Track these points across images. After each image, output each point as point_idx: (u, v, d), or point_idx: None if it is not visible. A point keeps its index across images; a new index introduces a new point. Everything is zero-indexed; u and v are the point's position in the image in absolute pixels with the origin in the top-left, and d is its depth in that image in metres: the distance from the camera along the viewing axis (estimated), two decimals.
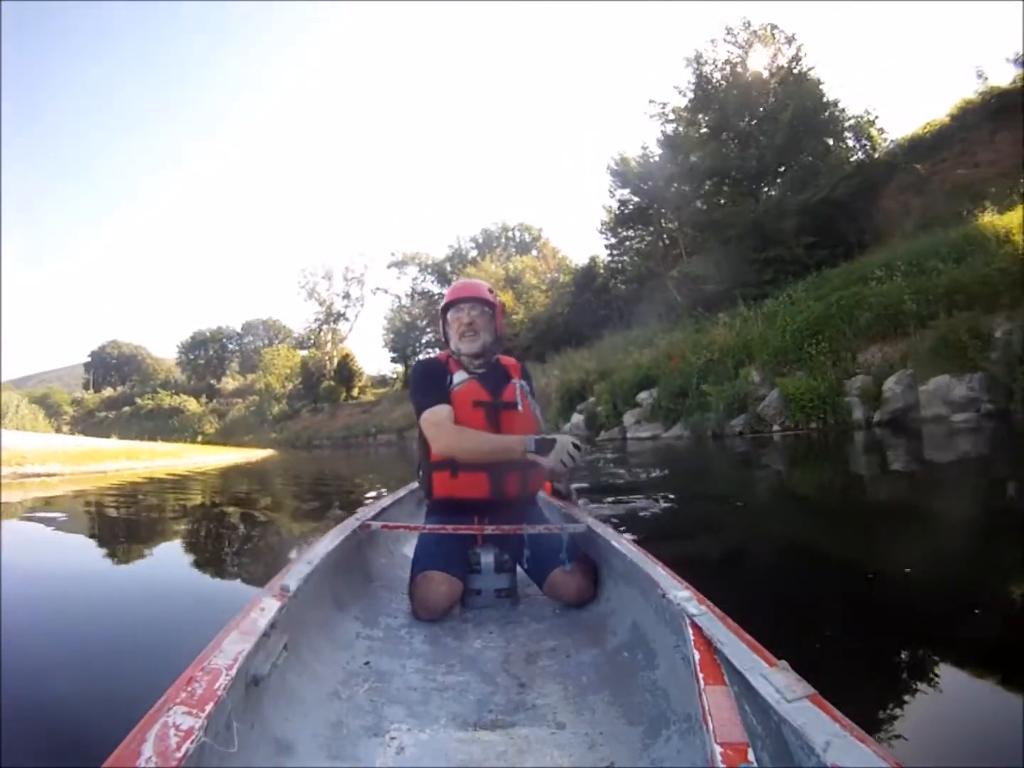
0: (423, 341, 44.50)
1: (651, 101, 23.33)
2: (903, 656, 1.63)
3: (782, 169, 19.91)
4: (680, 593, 1.29)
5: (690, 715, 1.13)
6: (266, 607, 1.23)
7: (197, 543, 4.66)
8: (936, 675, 1.50)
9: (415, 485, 2.74)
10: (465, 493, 2.06)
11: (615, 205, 26.43)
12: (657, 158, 23.64)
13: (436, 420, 2.03)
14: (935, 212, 13.78)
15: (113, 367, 62.15)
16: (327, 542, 1.81)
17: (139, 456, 15.28)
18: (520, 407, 2.10)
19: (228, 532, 5.29)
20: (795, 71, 19.89)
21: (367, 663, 1.55)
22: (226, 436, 38.13)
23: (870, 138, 19.27)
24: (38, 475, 10.56)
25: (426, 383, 2.13)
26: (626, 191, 25.79)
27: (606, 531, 1.93)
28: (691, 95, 21.99)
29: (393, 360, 46.54)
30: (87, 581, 3.38)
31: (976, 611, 1.86)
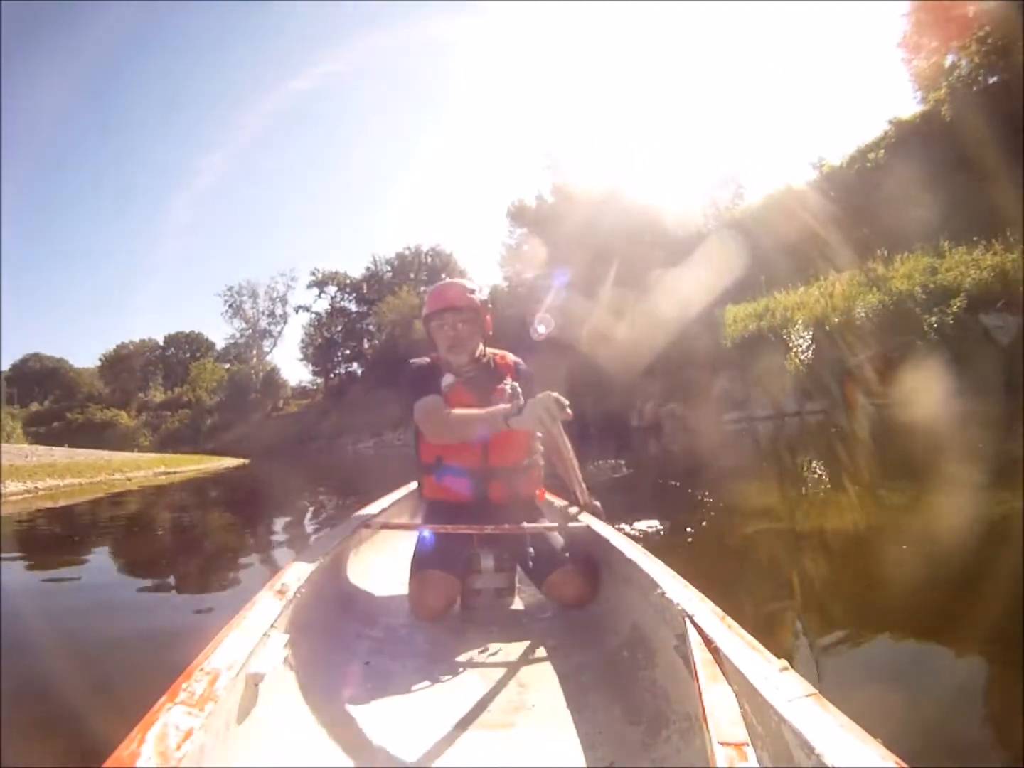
0: (344, 354, 47.68)
1: (546, 154, 27.59)
2: (903, 656, 1.69)
3: None
4: (680, 593, 1.31)
5: (690, 715, 1.12)
6: (266, 607, 1.24)
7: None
8: (936, 675, 1.56)
9: (414, 485, 2.59)
10: (452, 498, 2.02)
11: (513, 243, 29.60)
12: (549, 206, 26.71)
13: (426, 408, 1.94)
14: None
15: (35, 381, 60.73)
16: (327, 542, 1.83)
17: (170, 464, 17.68)
18: None
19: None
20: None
21: (367, 663, 1.55)
22: (162, 448, 38.65)
23: None
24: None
25: (416, 380, 2.06)
26: (523, 230, 28.77)
27: (606, 531, 1.92)
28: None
29: (314, 373, 49.12)
30: (89, 580, 3.58)
31: (975, 610, 1.90)
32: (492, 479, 2.01)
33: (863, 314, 13.11)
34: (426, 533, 1.94)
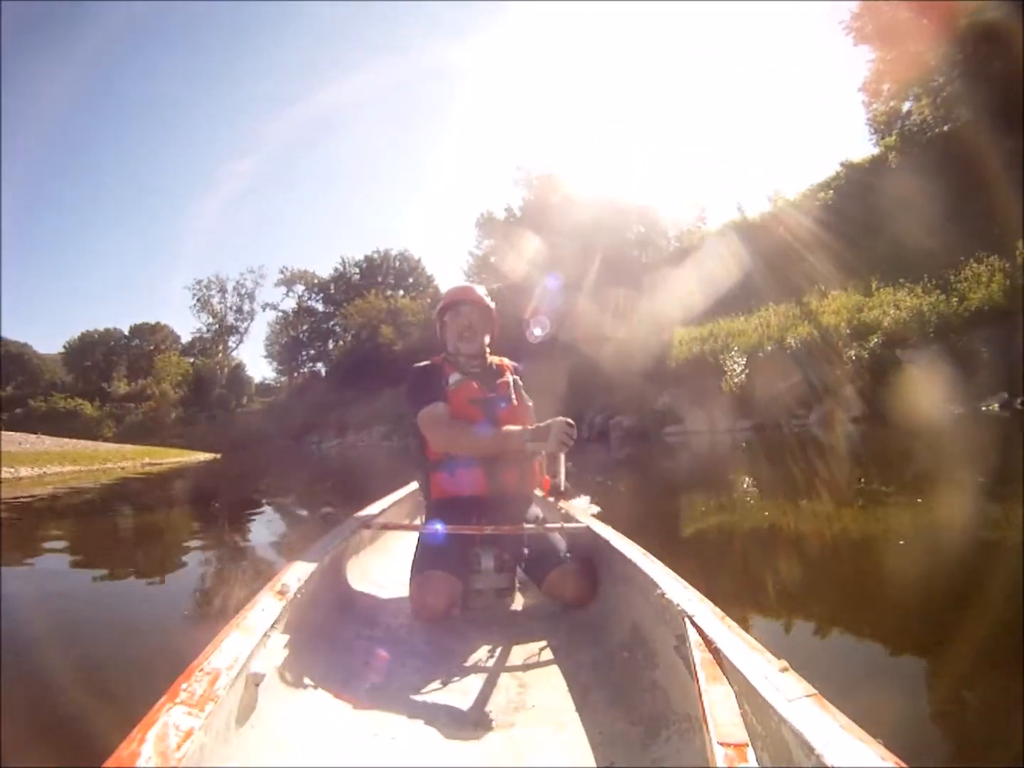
0: (309, 353, 48.81)
1: (518, 168, 29.03)
2: (903, 656, 1.72)
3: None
4: (680, 593, 1.32)
5: (690, 715, 1.12)
6: (266, 607, 1.23)
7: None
8: (936, 674, 1.59)
9: (415, 485, 2.64)
10: (462, 491, 2.03)
11: (480, 253, 30.99)
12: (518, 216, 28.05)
13: (432, 418, 2.02)
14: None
15: None
16: (327, 542, 1.81)
17: (153, 456, 18.72)
18: (514, 401, 2.14)
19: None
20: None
21: (367, 663, 1.53)
22: (127, 440, 35.82)
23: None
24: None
25: (421, 385, 2.13)
26: (491, 242, 30.12)
27: (606, 531, 1.94)
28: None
29: (279, 371, 49.81)
30: (88, 580, 3.61)
31: (974, 610, 1.96)
32: (505, 468, 2.06)
33: (793, 344, 14.47)
34: (435, 527, 1.93)
